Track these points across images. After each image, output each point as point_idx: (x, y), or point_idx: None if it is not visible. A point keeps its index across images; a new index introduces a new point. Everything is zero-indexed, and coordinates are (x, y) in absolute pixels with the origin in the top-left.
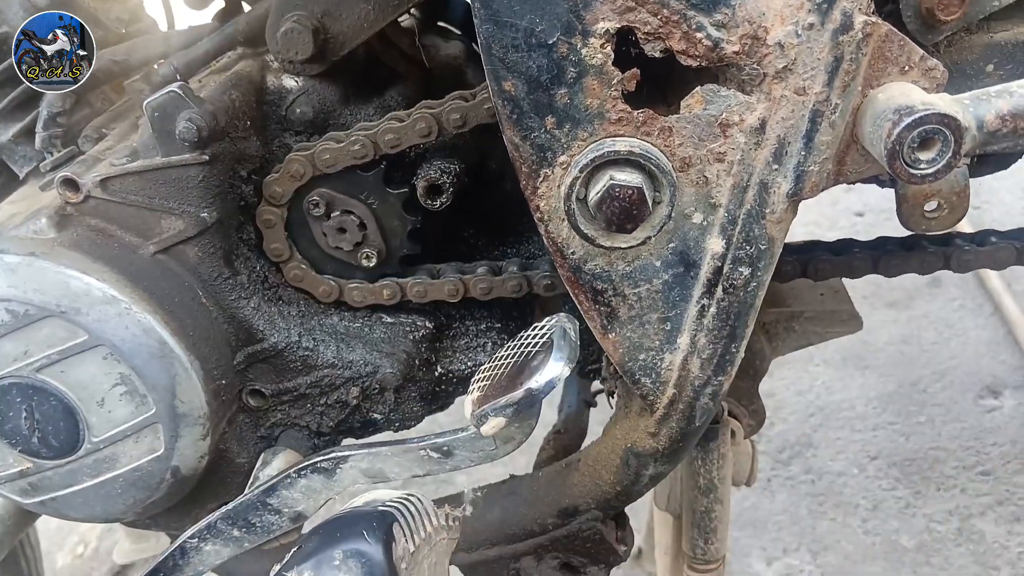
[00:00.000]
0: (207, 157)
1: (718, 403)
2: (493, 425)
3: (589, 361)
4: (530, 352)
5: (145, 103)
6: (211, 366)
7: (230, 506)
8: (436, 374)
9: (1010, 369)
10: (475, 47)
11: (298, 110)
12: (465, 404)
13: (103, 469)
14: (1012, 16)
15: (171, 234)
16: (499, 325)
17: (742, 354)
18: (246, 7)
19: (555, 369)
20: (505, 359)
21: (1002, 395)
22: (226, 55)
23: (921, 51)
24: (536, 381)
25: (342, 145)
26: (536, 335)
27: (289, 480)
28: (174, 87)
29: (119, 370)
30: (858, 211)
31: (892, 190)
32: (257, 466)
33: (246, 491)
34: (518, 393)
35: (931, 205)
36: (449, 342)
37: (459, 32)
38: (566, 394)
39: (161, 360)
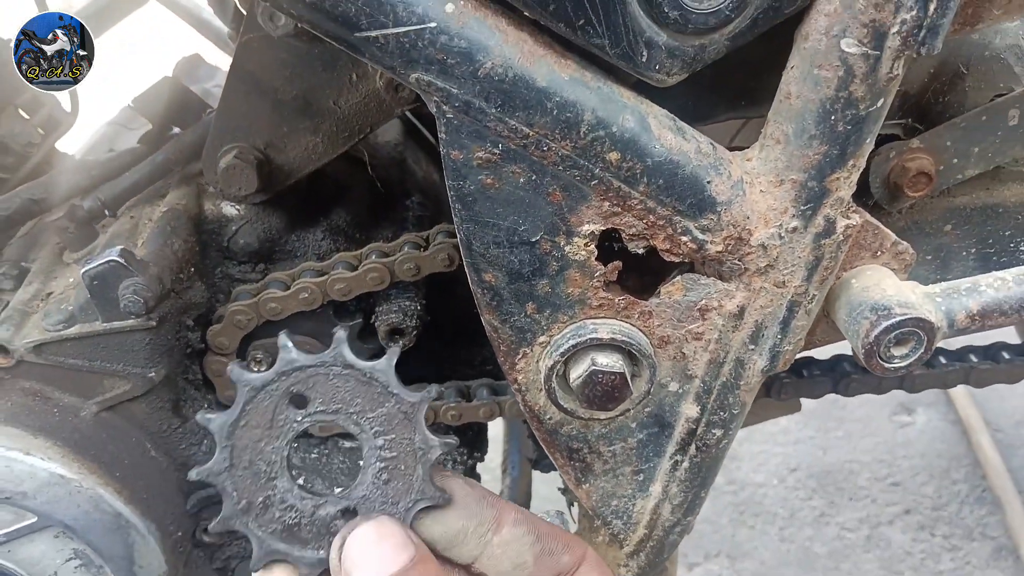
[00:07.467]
0: (154, 322)
1: (686, 534)
2: None
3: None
4: None
5: (82, 272)
6: (167, 522)
7: None
8: None
9: None
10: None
11: (241, 241)
12: None
13: None
14: (971, 182)
15: (115, 394)
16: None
17: (709, 491)
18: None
19: None
20: None
21: (915, 412)
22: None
23: (893, 236)
24: None
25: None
26: None
27: None
28: (114, 255)
29: (72, 546)
30: None
31: None
32: None
33: None
34: None
35: None
36: None
37: None
38: (510, 451)
39: (117, 532)
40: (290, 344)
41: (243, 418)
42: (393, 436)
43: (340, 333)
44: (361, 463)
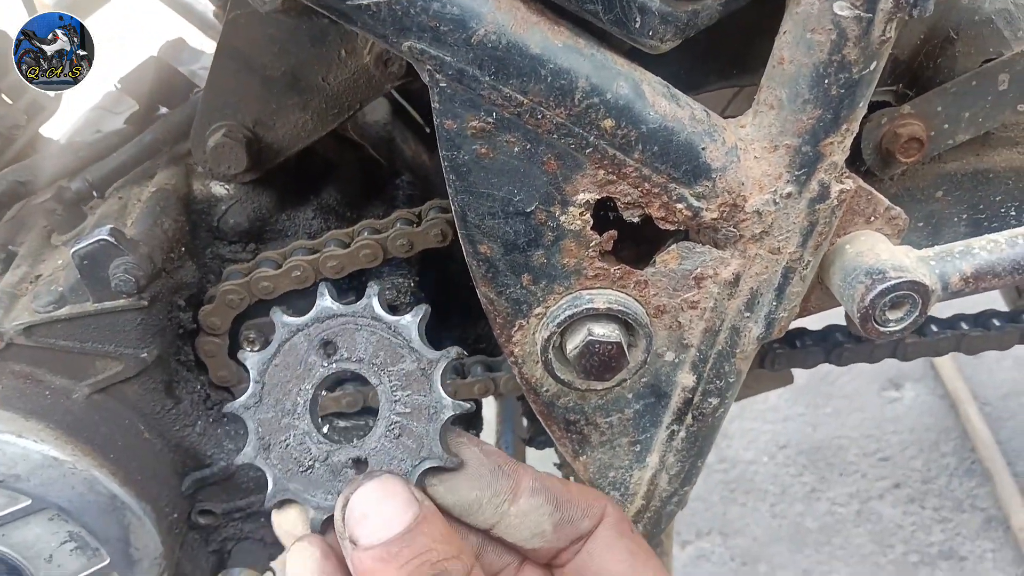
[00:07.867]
0: (146, 302)
1: (683, 505)
2: None
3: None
4: None
5: (72, 252)
6: (162, 504)
7: None
8: None
9: (911, 363)
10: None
11: (231, 221)
12: None
13: None
14: (961, 148)
15: (107, 375)
16: None
17: (705, 461)
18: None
19: None
20: None
21: (903, 387)
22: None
23: (886, 201)
24: None
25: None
26: None
27: None
28: (104, 234)
29: (67, 528)
30: None
31: None
32: None
33: None
34: None
35: None
36: None
37: None
38: (503, 432)
39: (112, 513)
40: (327, 293)
41: (277, 357)
42: (409, 392)
43: (372, 287)
44: (376, 416)
